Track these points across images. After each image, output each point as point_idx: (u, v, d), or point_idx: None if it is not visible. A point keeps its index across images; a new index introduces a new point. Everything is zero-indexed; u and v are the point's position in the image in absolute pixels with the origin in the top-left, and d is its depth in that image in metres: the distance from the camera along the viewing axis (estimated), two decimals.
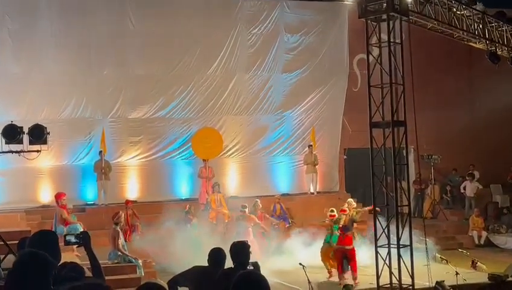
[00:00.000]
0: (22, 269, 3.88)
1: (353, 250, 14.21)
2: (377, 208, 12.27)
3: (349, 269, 14.12)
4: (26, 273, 3.85)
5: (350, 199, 16.19)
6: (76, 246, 5.79)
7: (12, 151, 13.01)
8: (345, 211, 14.75)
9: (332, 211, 15.10)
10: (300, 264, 12.30)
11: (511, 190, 22.18)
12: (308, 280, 11.78)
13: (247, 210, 16.17)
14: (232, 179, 20.59)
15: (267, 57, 20.64)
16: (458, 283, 13.24)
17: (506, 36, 15.51)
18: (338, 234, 14.48)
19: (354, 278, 14.00)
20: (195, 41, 19.75)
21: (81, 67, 18.83)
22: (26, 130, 12.89)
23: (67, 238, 5.76)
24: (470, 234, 19.95)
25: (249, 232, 15.25)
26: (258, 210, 17.03)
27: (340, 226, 14.41)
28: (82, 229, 11.33)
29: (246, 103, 20.65)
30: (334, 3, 21.30)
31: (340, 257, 14.18)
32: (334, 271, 14.49)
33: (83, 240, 5.61)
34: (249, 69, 20.53)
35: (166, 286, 5.82)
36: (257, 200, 17.45)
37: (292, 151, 21.37)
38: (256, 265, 6.86)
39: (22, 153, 13.13)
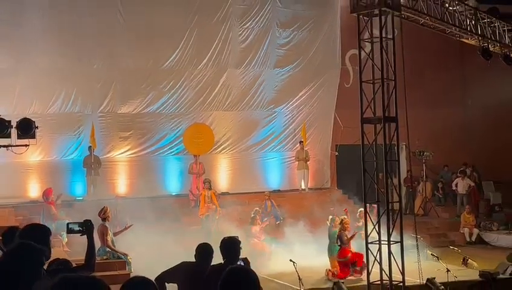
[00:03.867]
0: (15, 259, 3.88)
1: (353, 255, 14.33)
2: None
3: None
4: (19, 263, 3.85)
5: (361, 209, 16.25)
6: (80, 234, 5.78)
7: (0, 146, 12.97)
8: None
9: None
10: (291, 260, 12.34)
11: (503, 187, 22.26)
12: (299, 276, 11.81)
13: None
14: (223, 175, 20.60)
15: (258, 52, 20.63)
16: (449, 280, 13.28)
17: (499, 32, 15.57)
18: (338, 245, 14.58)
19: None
20: (186, 36, 19.71)
21: (71, 61, 18.73)
22: (14, 124, 12.84)
23: (70, 226, 5.77)
24: (462, 231, 20.02)
25: None
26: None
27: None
28: None
29: (237, 98, 20.64)
30: None
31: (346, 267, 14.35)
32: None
33: (87, 229, 5.64)
34: (241, 64, 20.51)
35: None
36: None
37: (283, 148, 21.40)
38: (246, 260, 6.87)
39: (9, 147, 13.09)
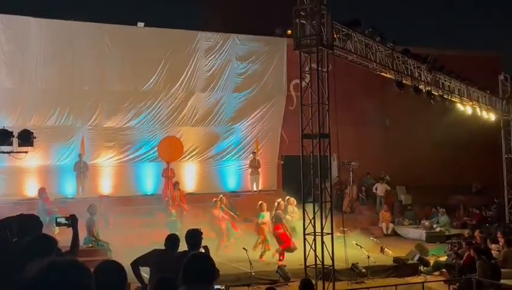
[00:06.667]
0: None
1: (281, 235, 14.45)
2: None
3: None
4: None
5: (291, 199, 16.29)
6: (67, 227, 5.71)
7: (3, 152, 12.69)
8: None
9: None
10: (244, 248, 12.35)
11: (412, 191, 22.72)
12: (250, 261, 11.84)
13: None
14: (190, 178, 20.48)
15: (220, 79, 20.66)
16: (370, 264, 13.51)
17: (410, 69, 15.92)
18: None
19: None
20: (161, 65, 19.64)
21: (65, 84, 18.47)
22: (15, 134, 12.60)
23: (58, 220, 5.72)
24: (380, 226, 20.35)
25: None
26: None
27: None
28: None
29: (203, 117, 20.60)
30: (276, 38, 21.66)
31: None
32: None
33: (72, 222, 5.59)
34: (206, 89, 20.50)
35: (124, 265, 5.74)
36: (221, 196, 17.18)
37: (240, 157, 21.41)
38: (206, 248, 6.86)
39: (11, 154, 12.81)
